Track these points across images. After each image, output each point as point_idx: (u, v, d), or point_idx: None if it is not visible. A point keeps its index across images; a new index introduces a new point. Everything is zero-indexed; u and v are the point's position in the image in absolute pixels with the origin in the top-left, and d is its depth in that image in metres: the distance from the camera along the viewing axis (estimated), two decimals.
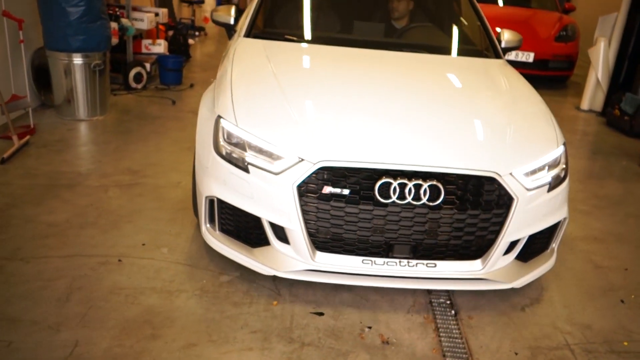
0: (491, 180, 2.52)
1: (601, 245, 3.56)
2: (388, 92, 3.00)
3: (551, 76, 8.44)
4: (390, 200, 2.47)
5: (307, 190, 2.48)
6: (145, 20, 6.12)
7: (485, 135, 2.73)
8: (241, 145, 2.59)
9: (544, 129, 2.87)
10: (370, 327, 2.59)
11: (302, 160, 2.46)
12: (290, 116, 2.64)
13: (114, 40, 5.53)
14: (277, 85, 2.86)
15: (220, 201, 2.69)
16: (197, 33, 9.85)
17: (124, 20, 5.75)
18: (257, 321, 2.54)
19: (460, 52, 3.72)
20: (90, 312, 2.49)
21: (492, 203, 2.55)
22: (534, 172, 2.64)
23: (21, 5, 4.68)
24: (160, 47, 6.60)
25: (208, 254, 3.02)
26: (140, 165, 4.09)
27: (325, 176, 2.47)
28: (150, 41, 6.61)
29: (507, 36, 3.82)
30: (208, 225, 2.82)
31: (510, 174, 2.55)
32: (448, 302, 2.83)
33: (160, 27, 7.23)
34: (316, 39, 3.60)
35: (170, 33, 7.69)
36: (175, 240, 3.14)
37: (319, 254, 2.58)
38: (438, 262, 2.63)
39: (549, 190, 2.68)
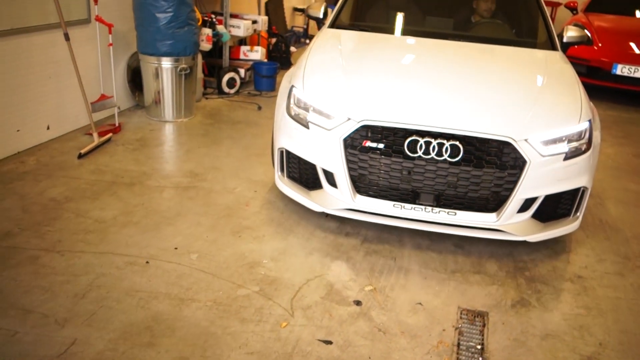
0: (507, 144, 2.96)
1: None
2: (434, 69, 3.57)
3: None
4: (416, 155, 3.00)
5: (351, 143, 3.08)
6: (241, 27, 6.25)
7: (510, 106, 3.16)
8: (305, 107, 3.26)
9: (569, 106, 3.22)
10: None
11: (349, 119, 3.07)
12: (344, 86, 3.27)
13: (207, 46, 5.71)
14: (340, 62, 3.53)
15: (287, 152, 3.38)
16: (307, 41, 9.96)
17: (220, 27, 5.91)
18: (258, 342, 2.43)
19: (519, 44, 4.10)
20: (100, 311, 2.52)
21: (507, 164, 2.99)
22: (552, 141, 3.01)
23: (122, 11, 4.95)
24: (257, 53, 6.72)
25: (235, 264, 2.96)
26: (204, 169, 4.14)
27: (366, 133, 3.06)
28: (248, 48, 6.75)
29: (569, 32, 4.29)
30: (279, 173, 3.51)
31: (526, 140, 2.96)
32: (479, 346, 2.52)
33: (262, 34, 7.37)
34: (388, 30, 4.22)
35: (273, 40, 7.80)
36: (208, 247, 3.11)
37: (358, 196, 3.17)
38: (458, 212, 3.08)
39: (565, 159, 3.03)
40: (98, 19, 4.42)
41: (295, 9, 10.09)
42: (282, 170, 3.49)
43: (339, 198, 3.21)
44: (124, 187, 3.75)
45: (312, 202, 3.31)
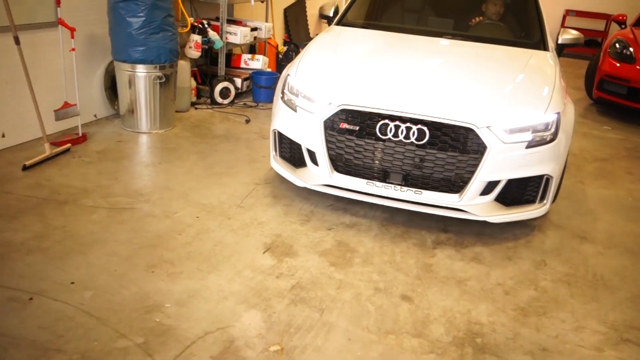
0: (470, 130, 3.22)
1: None
2: (416, 62, 3.88)
3: None
4: (386, 137, 3.30)
5: (331, 125, 3.42)
6: (238, 34, 5.89)
7: (479, 96, 3.42)
8: (295, 93, 3.61)
9: (537, 99, 3.44)
10: None
11: (330, 104, 3.40)
12: (330, 74, 3.63)
13: (194, 53, 5.39)
14: (333, 54, 3.89)
15: (279, 133, 3.75)
16: None
17: (212, 33, 5.57)
18: None
19: (511, 44, 4.27)
20: None
21: (469, 148, 3.25)
22: (515, 130, 3.26)
23: (101, 14, 4.68)
24: (258, 62, 6.35)
25: (130, 307, 2.56)
26: (153, 188, 3.78)
27: (343, 116, 3.39)
28: (249, 56, 6.39)
29: (564, 35, 4.48)
30: (273, 153, 3.85)
31: (488, 127, 3.22)
32: None
33: (271, 41, 7.00)
34: (390, 28, 4.52)
35: (284, 49, 7.42)
36: (110, 284, 2.73)
37: (335, 173, 3.49)
38: (424, 191, 3.36)
39: (528, 147, 3.27)
40: (60, 22, 4.14)
41: (323, 17, 9.66)
42: (275, 150, 3.85)
43: (319, 175, 3.54)
44: (55, 205, 3.43)
45: (297, 178, 3.64)
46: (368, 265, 3.12)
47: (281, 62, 7.20)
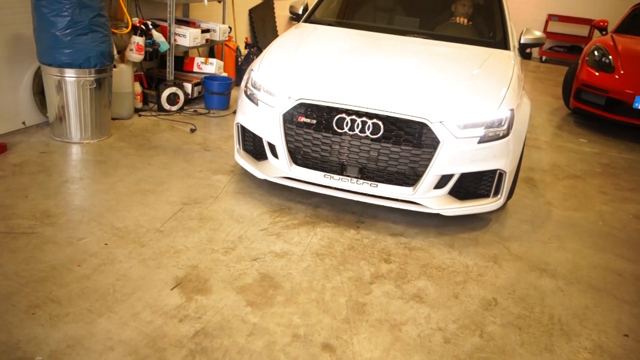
0: (423, 125, 3.29)
1: None
2: (375, 58, 3.96)
3: None
4: (343, 131, 3.37)
5: (290, 119, 3.48)
6: (187, 36, 5.47)
7: (433, 92, 3.51)
8: (257, 88, 3.68)
9: (491, 95, 3.53)
10: None
11: (289, 97, 3.47)
12: (290, 69, 3.72)
13: (136, 56, 4.96)
14: (296, 50, 3.97)
15: (242, 127, 3.82)
16: None
17: (157, 35, 5.16)
18: None
19: (473, 42, 4.40)
20: None
21: (423, 143, 3.31)
22: (467, 125, 3.33)
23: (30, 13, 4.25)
24: (212, 66, 5.94)
25: None
26: (65, 208, 3.36)
27: (302, 110, 3.45)
28: (202, 60, 5.97)
29: (526, 35, 4.48)
30: (237, 146, 3.93)
31: (441, 122, 3.29)
32: None
33: (230, 44, 6.58)
34: (356, 26, 4.64)
35: (245, 52, 7.01)
36: None
37: (294, 166, 3.54)
38: (379, 184, 3.43)
39: (480, 142, 3.35)
40: None
41: (293, 18, 9.25)
42: (239, 143, 3.91)
43: (279, 167, 3.59)
44: None
45: (259, 171, 3.72)
46: (291, 305, 2.72)
47: (241, 66, 6.79)
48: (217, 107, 5.70)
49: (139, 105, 5.36)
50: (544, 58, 11.72)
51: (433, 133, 3.29)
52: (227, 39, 6.15)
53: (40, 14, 4.05)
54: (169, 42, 5.37)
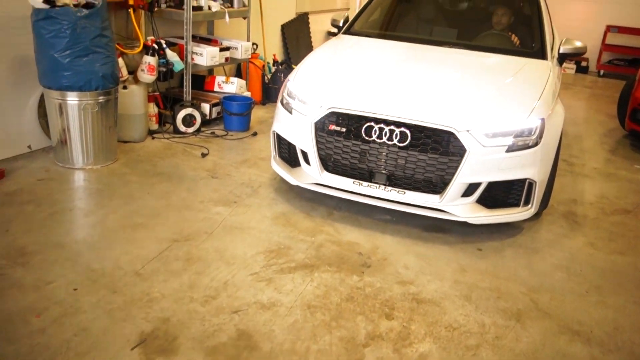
0: (450, 134, 3.35)
1: None
2: (410, 69, 4.03)
3: None
4: (371, 139, 3.47)
5: (321, 127, 3.59)
6: (205, 55, 5.22)
7: (462, 101, 3.54)
8: (292, 97, 3.80)
9: (522, 104, 3.54)
10: None
11: (321, 107, 3.58)
12: (323, 79, 3.84)
13: (148, 77, 4.74)
14: (330, 61, 4.14)
15: (278, 135, 3.93)
16: None
17: (170, 54, 4.93)
18: None
19: (510, 52, 4.39)
20: None
21: (449, 151, 3.38)
22: (496, 134, 3.37)
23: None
24: (232, 86, 5.67)
25: None
26: (42, 245, 3.13)
27: (333, 118, 3.56)
28: (223, 79, 5.71)
29: (566, 45, 4.44)
30: (273, 153, 4.04)
31: (468, 131, 3.34)
32: None
33: (256, 62, 6.31)
34: (394, 37, 4.74)
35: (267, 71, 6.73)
36: None
37: (325, 173, 3.66)
38: (407, 191, 3.50)
39: (508, 151, 3.37)
40: None
41: (331, 33, 8.94)
42: (275, 150, 4.03)
43: (310, 174, 3.72)
44: None
45: (292, 177, 3.81)
46: None
47: (268, 85, 6.50)
48: (236, 129, 5.42)
49: (155, 127, 5.14)
50: (602, 72, 10.92)
51: (459, 141, 3.32)
52: (249, 57, 5.87)
53: (39, 35, 3.87)
54: (186, 62, 5.13)
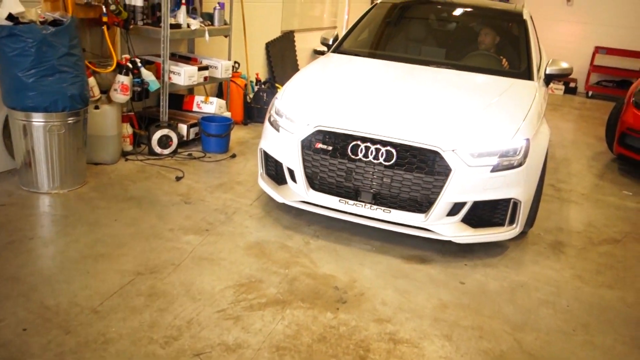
0: (435, 153, 3.36)
1: None
2: (397, 88, 4.05)
3: None
4: (357, 157, 3.49)
5: (307, 145, 3.62)
6: (182, 74, 5.05)
7: (448, 121, 3.57)
8: (279, 115, 3.83)
9: (506, 125, 3.56)
10: None
11: (308, 125, 3.62)
12: (310, 97, 3.87)
13: (120, 97, 4.56)
14: (317, 79, 4.18)
15: (265, 152, 3.94)
16: None
17: (146, 73, 4.76)
18: None
19: (496, 73, 4.41)
20: None
21: (435, 170, 3.38)
22: (481, 154, 3.38)
23: None
24: (212, 106, 5.50)
25: None
26: None
27: (320, 136, 3.59)
28: (202, 98, 5.55)
29: (552, 66, 4.44)
30: (261, 170, 4.02)
31: (453, 150, 3.35)
32: None
33: (238, 81, 6.16)
34: (378, 55, 4.76)
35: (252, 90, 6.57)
36: None
37: (311, 191, 3.67)
38: (392, 210, 3.50)
39: (493, 170, 3.38)
40: None
41: (317, 52, 8.84)
42: (262, 168, 4.04)
43: (297, 192, 3.71)
44: None
45: (279, 195, 3.80)
46: None
47: (250, 104, 6.34)
48: (214, 151, 5.25)
49: (129, 148, 4.95)
50: (590, 93, 10.88)
51: (445, 161, 3.33)
52: (230, 76, 5.71)
53: (2, 53, 3.70)
54: (162, 81, 4.97)
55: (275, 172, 3.94)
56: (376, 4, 5.56)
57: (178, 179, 4.54)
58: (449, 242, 3.60)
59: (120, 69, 4.56)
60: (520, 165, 3.44)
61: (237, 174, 4.79)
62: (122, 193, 4.15)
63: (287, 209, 4.08)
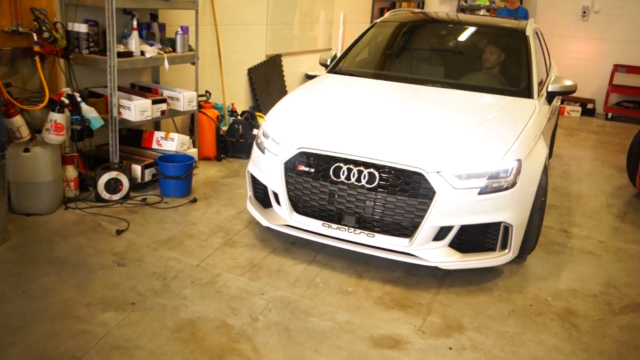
0: (419, 175, 3.24)
1: None
2: (385, 108, 3.98)
3: None
4: (339, 180, 3.38)
5: (291, 167, 3.53)
6: (132, 109, 4.42)
7: (434, 141, 3.44)
8: (266, 136, 3.78)
9: (496, 145, 3.41)
10: None
11: (292, 146, 3.53)
12: (296, 119, 3.82)
13: (54, 137, 3.95)
14: (305, 100, 4.14)
15: (252, 175, 3.90)
16: None
17: (86, 109, 4.14)
18: None
19: (494, 91, 4.28)
20: None
21: (418, 193, 3.25)
22: (467, 176, 3.24)
23: None
24: (172, 143, 4.86)
25: None
26: None
27: (303, 158, 3.50)
28: (162, 134, 4.91)
29: (554, 83, 4.38)
30: (249, 193, 4.00)
31: (438, 172, 3.22)
32: None
33: (209, 112, 5.53)
34: (373, 75, 4.76)
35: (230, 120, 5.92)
36: None
37: (294, 214, 3.56)
38: (376, 234, 3.37)
39: (480, 193, 3.23)
40: None
41: (309, 76, 8.20)
42: (250, 191, 3.93)
43: (281, 215, 3.62)
44: None
45: (264, 219, 3.69)
46: None
47: (223, 138, 5.69)
48: (173, 195, 4.60)
49: (73, 193, 4.32)
50: (610, 115, 10.06)
51: (429, 183, 3.22)
52: (194, 108, 5.08)
53: None
54: (111, 116, 4.35)
55: (263, 195, 3.82)
56: (375, 23, 5.34)
57: (119, 232, 3.88)
58: (432, 312, 2.88)
59: (53, 105, 3.94)
60: (511, 187, 3.29)
61: (192, 224, 4.13)
62: (45, 253, 3.51)
63: (242, 271, 3.40)
